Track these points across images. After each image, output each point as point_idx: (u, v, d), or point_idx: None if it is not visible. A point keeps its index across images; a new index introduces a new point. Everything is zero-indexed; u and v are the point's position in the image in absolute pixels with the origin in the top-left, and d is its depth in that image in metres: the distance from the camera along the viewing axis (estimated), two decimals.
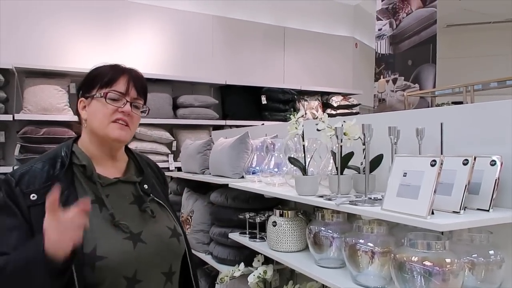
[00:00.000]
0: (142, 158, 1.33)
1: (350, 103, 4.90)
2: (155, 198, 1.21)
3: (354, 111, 4.94)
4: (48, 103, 3.33)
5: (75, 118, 1.24)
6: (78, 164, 1.12)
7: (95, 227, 1.04)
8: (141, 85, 1.20)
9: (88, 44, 3.94)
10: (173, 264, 1.17)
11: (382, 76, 5.27)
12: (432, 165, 1.06)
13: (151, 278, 1.10)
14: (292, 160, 1.57)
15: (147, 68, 4.15)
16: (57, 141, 3.10)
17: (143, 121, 4.38)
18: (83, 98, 1.18)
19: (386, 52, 5.27)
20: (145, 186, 1.21)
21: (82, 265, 0.99)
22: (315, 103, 4.81)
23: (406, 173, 1.13)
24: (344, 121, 1.47)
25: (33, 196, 1.03)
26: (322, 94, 4.93)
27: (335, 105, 4.81)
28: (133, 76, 1.19)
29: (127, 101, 1.15)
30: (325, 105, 4.88)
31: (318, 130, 1.49)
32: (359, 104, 5.04)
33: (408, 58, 4.87)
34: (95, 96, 1.14)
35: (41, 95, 3.33)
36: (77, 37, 3.94)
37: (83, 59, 3.76)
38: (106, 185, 1.13)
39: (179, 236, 1.20)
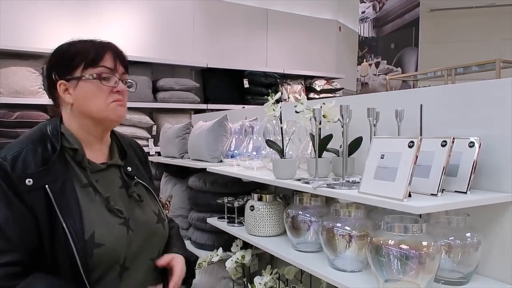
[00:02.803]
0: (124, 139, 1.28)
1: (333, 87, 4.87)
2: (139, 180, 1.17)
3: (337, 95, 4.92)
4: (21, 86, 3.20)
5: (51, 102, 1.16)
6: (69, 147, 1.06)
7: (92, 213, 1.01)
8: (125, 59, 1.15)
9: (63, 24, 3.79)
10: (160, 250, 1.16)
11: (365, 60, 5.26)
12: (410, 147, 1.03)
13: (139, 265, 1.08)
14: (270, 143, 1.53)
15: (126, 49, 3.98)
16: (31, 125, 2.97)
17: None
18: (63, 81, 1.08)
19: (369, 35, 5.25)
20: (129, 169, 1.17)
21: (84, 253, 0.96)
22: (298, 87, 4.77)
23: (383, 155, 1.10)
24: (323, 103, 1.43)
25: (29, 181, 0.97)
26: (305, 78, 4.89)
27: (318, 89, 4.78)
28: (117, 51, 1.12)
29: (118, 79, 1.09)
30: (308, 89, 4.84)
31: (296, 112, 1.45)
32: (342, 88, 5.02)
33: (391, 42, 4.86)
34: (83, 77, 1.06)
35: (14, 77, 3.19)
36: (52, 17, 3.78)
37: (58, 41, 3.58)
38: (95, 171, 1.09)
39: (163, 221, 1.18)
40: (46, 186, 0.98)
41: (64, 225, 0.96)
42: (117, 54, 1.12)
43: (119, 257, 1.03)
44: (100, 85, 1.06)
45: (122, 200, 1.10)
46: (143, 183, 1.18)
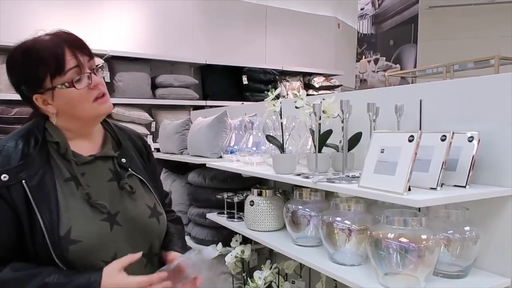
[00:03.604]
0: (123, 130, 1.23)
1: (332, 84, 4.88)
2: (134, 173, 1.13)
3: (336, 92, 4.93)
4: None
5: None
6: (52, 141, 1.04)
7: (71, 208, 0.98)
8: (84, 46, 1.05)
9: (63, 20, 3.78)
10: (153, 245, 1.12)
11: (363, 57, 5.26)
12: (410, 141, 1.04)
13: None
14: (270, 138, 1.53)
15: (125, 46, 4.03)
16: None
17: (120, 101, 4.23)
18: (37, 95, 1.02)
19: (368, 32, 5.25)
20: (123, 160, 1.12)
21: (59, 248, 0.94)
22: (296, 83, 4.77)
23: (383, 149, 1.11)
24: (323, 99, 1.44)
25: (4, 177, 0.96)
26: (304, 74, 4.89)
27: (317, 86, 4.78)
28: (72, 42, 1.02)
29: (89, 73, 1.03)
30: (307, 86, 4.85)
31: (296, 107, 1.45)
32: (341, 85, 5.02)
33: (389, 38, 4.86)
34: (56, 88, 1.00)
35: None
36: (51, 13, 3.78)
37: None
38: (82, 164, 1.05)
39: (159, 215, 1.13)
40: (23, 181, 0.96)
41: (40, 219, 0.95)
42: (75, 46, 1.02)
43: (104, 253, 1.00)
44: (78, 90, 1.01)
45: (111, 193, 1.07)
46: (138, 175, 1.14)
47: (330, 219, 1.27)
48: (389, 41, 4.86)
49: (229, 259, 1.88)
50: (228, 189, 2.05)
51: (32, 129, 1.05)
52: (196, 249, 1.09)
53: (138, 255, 1.02)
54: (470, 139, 1.14)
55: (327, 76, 4.97)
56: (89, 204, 1.01)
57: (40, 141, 1.02)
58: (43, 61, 0.99)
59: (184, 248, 1.20)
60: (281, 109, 1.50)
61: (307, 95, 1.49)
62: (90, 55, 1.06)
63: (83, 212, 0.99)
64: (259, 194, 1.72)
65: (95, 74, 1.04)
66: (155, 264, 1.13)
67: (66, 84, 1.00)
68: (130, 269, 1.03)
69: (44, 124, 1.05)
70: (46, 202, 0.97)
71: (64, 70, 0.99)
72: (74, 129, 1.07)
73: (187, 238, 2.32)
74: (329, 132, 1.46)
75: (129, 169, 1.13)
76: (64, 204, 0.98)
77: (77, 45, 1.03)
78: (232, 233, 1.94)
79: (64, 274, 0.95)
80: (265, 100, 1.51)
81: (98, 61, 1.09)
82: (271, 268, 1.78)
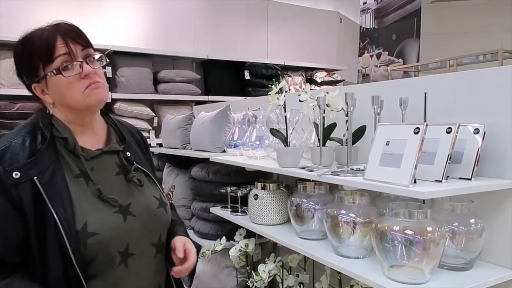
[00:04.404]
0: (123, 124, 1.25)
1: (334, 79, 4.86)
2: (139, 166, 1.15)
3: (338, 87, 4.92)
4: None
5: None
6: (59, 137, 1.04)
7: (84, 203, 0.99)
8: (80, 34, 1.05)
9: (64, 15, 3.75)
10: (162, 234, 1.15)
11: (366, 51, 5.24)
12: (416, 133, 1.04)
13: (143, 250, 1.07)
14: (274, 132, 1.53)
15: (126, 41, 4.02)
16: None
17: (122, 96, 4.22)
18: (35, 84, 1.05)
19: (371, 27, 5.22)
20: (128, 154, 1.14)
21: (77, 243, 0.95)
22: (299, 78, 4.76)
23: (388, 141, 1.11)
24: (327, 92, 1.43)
25: (16, 174, 0.95)
26: (306, 69, 4.88)
27: (319, 81, 4.77)
28: (67, 31, 1.03)
29: (81, 62, 1.02)
30: (309, 81, 4.83)
31: (300, 101, 1.45)
32: (343, 80, 5.01)
33: (392, 33, 4.84)
34: (47, 76, 1.01)
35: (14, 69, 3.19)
36: (51, 8, 3.76)
37: None
38: (90, 158, 1.06)
39: (165, 205, 1.16)
40: (35, 177, 0.96)
41: (55, 215, 0.94)
42: (68, 35, 1.02)
43: (118, 244, 1.02)
44: (66, 78, 1.01)
45: (119, 186, 1.08)
46: (143, 168, 1.16)
47: (335, 212, 1.27)
48: (391, 35, 4.84)
49: (233, 253, 1.89)
50: (231, 183, 2.05)
51: (38, 124, 1.05)
52: None
53: None
54: (476, 131, 1.14)
55: (329, 71, 4.95)
56: (100, 198, 1.02)
57: (49, 136, 1.02)
58: (36, 50, 1.01)
59: (185, 232, 1.24)
60: (285, 102, 1.50)
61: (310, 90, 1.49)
62: (85, 45, 1.05)
63: (96, 207, 1.01)
64: (263, 188, 1.72)
65: (87, 63, 1.03)
66: (163, 253, 1.16)
67: (54, 71, 1.01)
68: (142, 260, 1.06)
69: (50, 120, 1.06)
70: (59, 197, 0.97)
71: (53, 58, 1.00)
72: (74, 121, 1.07)
73: (190, 232, 2.33)
74: (333, 126, 1.46)
75: (134, 162, 1.14)
76: (77, 199, 0.99)
77: (71, 34, 1.03)
78: (236, 227, 1.94)
79: None
80: (270, 93, 1.51)
81: (98, 54, 1.08)
82: (275, 261, 1.78)
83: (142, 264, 1.07)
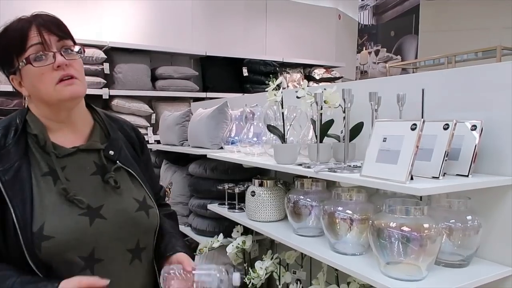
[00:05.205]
0: (114, 120, 1.18)
1: (332, 76, 4.86)
2: (123, 166, 1.08)
3: (336, 83, 4.91)
4: None
5: None
6: (31, 133, 1.01)
7: (47, 203, 0.95)
8: (57, 25, 1.02)
9: (63, 12, 3.74)
10: (141, 239, 1.06)
11: (364, 48, 5.24)
12: (413, 129, 1.03)
13: (114, 256, 1.01)
14: (271, 128, 1.53)
15: (124, 37, 4.00)
16: None
17: (120, 93, 4.22)
18: (12, 76, 1.02)
19: (369, 23, 5.22)
20: (111, 153, 1.07)
21: (32, 246, 0.91)
22: (297, 75, 4.75)
23: (386, 138, 1.10)
24: (324, 89, 1.43)
25: None
26: (305, 66, 4.87)
27: (317, 77, 4.77)
28: (43, 21, 1.00)
29: (54, 53, 0.98)
30: (308, 78, 4.83)
31: (297, 97, 1.44)
32: (342, 77, 5.00)
33: (390, 29, 4.83)
34: (19, 66, 0.98)
35: None
36: (50, 6, 3.73)
37: None
38: (63, 156, 1.01)
39: (148, 208, 1.08)
40: None
41: (13, 214, 0.91)
42: (43, 25, 0.99)
43: (80, 249, 0.96)
44: (35, 68, 0.97)
45: (94, 187, 1.02)
46: (127, 168, 1.09)
47: (332, 209, 1.27)
48: (390, 32, 4.83)
49: (230, 249, 1.88)
50: (229, 180, 2.05)
51: (14, 120, 1.02)
52: (221, 268, 1.03)
53: (104, 282, 0.93)
54: (473, 128, 1.14)
55: (327, 68, 4.94)
56: (66, 199, 0.97)
57: (18, 132, 0.99)
58: (11, 40, 0.99)
59: (185, 248, 1.15)
60: (282, 99, 1.49)
61: (308, 87, 1.49)
62: (61, 35, 1.01)
63: (59, 207, 0.96)
64: (260, 185, 1.71)
65: (61, 55, 0.99)
66: (144, 259, 1.08)
67: (24, 60, 0.98)
68: (113, 266, 1.00)
69: (25, 115, 1.03)
70: (20, 197, 0.94)
71: (25, 47, 0.98)
72: (50, 116, 1.04)
73: (188, 229, 2.32)
74: (330, 122, 1.45)
75: (117, 161, 1.08)
76: (39, 199, 0.95)
77: (47, 24, 1.00)
78: (233, 224, 1.94)
79: (21, 281, 0.90)
80: (267, 89, 1.51)
81: (77, 46, 1.04)
82: (272, 258, 1.78)
83: (114, 271, 1.00)
